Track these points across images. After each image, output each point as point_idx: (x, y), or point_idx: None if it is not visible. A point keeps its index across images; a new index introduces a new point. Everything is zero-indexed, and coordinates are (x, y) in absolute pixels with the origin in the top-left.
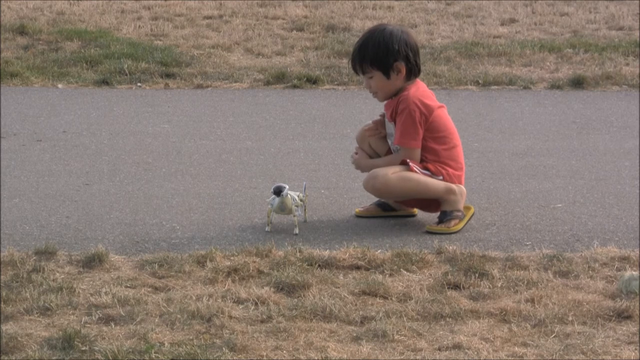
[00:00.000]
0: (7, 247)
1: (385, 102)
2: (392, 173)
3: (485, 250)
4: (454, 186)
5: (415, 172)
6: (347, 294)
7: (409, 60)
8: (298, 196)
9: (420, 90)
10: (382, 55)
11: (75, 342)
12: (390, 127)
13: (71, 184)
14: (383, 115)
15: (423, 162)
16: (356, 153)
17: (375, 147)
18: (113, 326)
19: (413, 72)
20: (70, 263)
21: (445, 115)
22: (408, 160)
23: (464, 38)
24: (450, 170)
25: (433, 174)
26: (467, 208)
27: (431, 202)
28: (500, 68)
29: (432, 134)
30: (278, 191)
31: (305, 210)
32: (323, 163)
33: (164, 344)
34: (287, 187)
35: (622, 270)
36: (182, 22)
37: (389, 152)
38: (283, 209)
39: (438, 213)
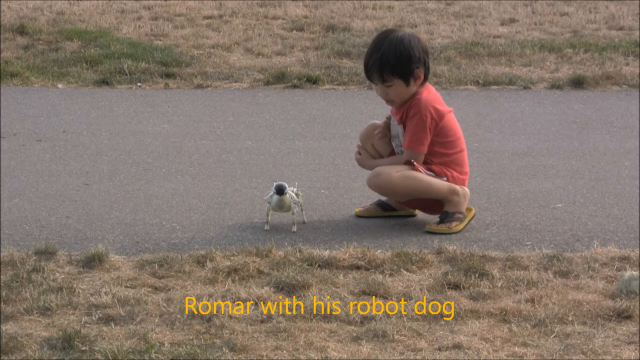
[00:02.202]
0: (7, 247)
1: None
2: (396, 172)
3: (485, 250)
4: (457, 187)
5: (420, 172)
6: (347, 294)
7: (426, 65)
8: (293, 191)
9: (432, 94)
10: (405, 63)
11: (75, 342)
12: (396, 129)
13: (71, 184)
14: (389, 118)
15: (428, 164)
16: (359, 153)
17: (378, 148)
18: (113, 326)
19: (427, 76)
20: (70, 263)
21: (453, 120)
22: (413, 160)
23: (464, 38)
24: (455, 173)
25: (437, 175)
26: (468, 209)
27: (434, 204)
28: (500, 68)
29: (440, 139)
30: (281, 190)
31: (302, 210)
32: (323, 163)
33: (164, 344)
34: (287, 185)
35: (622, 270)
36: (182, 22)
37: (391, 153)
38: (282, 206)
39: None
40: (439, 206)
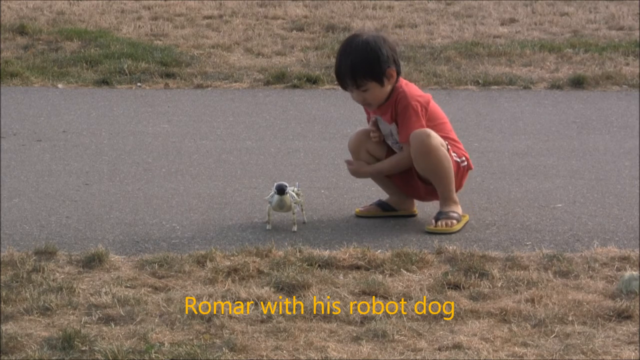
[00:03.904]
0: (7, 247)
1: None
2: (441, 146)
3: (485, 250)
4: (455, 193)
5: (452, 157)
6: (347, 294)
7: (396, 62)
8: (294, 191)
9: (410, 86)
10: (376, 65)
11: (75, 342)
12: (387, 128)
13: (71, 184)
14: (375, 119)
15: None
16: (350, 164)
17: (373, 151)
18: (113, 326)
19: (399, 72)
20: (70, 263)
21: (435, 105)
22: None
23: (464, 38)
24: (461, 151)
25: (459, 158)
26: (462, 215)
27: (432, 191)
28: (500, 68)
29: (433, 123)
30: (281, 190)
31: (303, 210)
32: (323, 163)
33: (164, 344)
34: (288, 185)
35: (622, 270)
36: (182, 22)
37: (388, 154)
38: (282, 206)
39: (434, 210)
40: (433, 194)
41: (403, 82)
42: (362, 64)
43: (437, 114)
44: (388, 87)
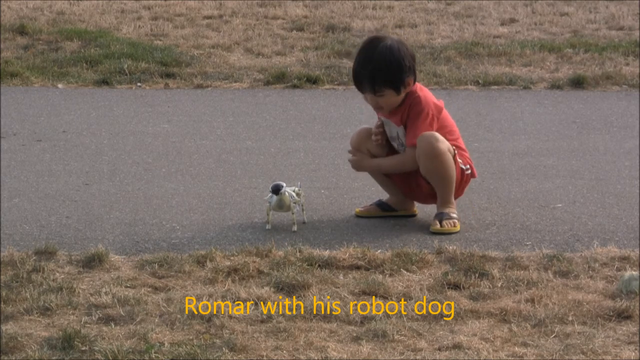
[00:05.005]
0: (7, 247)
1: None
2: (448, 151)
3: (485, 250)
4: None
5: (457, 164)
6: (347, 294)
7: (414, 71)
8: (294, 191)
9: (425, 91)
10: (397, 74)
11: (75, 342)
12: (394, 130)
13: (71, 184)
14: (381, 121)
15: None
16: (353, 155)
17: (374, 151)
18: (113, 326)
19: (415, 80)
20: (70, 263)
21: (447, 112)
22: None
23: (464, 38)
24: (466, 156)
25: (464, 165)
26: None
27: (432, 194)
28: (500, 68)
29: (444, 130)
30: (276, 189)
31: (303, 210)
32: (323, 163)
33: (164, 344)
34: (284, 185)
35: (622, 270)
36: (182, 22)
37: (389, 155)
38: (281, 206)
39: (434, 210)
40: (433, 198)
41: (418, 86)
42: (384, 72)
43: (447, 122)
44: (403, 95)
